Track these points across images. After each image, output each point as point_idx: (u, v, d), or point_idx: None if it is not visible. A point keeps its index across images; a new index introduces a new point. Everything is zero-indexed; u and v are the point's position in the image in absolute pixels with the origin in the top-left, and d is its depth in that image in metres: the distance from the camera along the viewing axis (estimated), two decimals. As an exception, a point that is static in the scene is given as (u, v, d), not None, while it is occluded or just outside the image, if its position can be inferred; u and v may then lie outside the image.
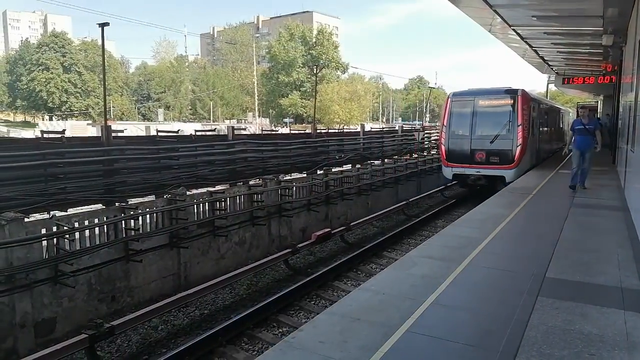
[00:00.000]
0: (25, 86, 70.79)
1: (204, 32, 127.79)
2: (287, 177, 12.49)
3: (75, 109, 70.59)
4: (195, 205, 9.28)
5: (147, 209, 8.39)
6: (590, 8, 10.40)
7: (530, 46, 16.73)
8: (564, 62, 20.90)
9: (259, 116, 71.05)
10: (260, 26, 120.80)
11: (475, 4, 10.81)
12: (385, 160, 18.12)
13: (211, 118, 76.07)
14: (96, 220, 7.55)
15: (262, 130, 37.75)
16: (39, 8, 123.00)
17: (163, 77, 78.66)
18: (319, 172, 13.55)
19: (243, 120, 71.58)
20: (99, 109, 69.76)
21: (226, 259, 9.92)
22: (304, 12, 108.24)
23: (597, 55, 16.90)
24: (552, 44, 15.80)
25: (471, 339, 3.90)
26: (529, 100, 15.10)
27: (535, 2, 10.68)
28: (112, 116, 64.17)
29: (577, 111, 20.80)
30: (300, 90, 70.76)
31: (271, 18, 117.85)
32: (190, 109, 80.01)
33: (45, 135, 7.94)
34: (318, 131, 15.83)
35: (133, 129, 29.63)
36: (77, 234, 7.13)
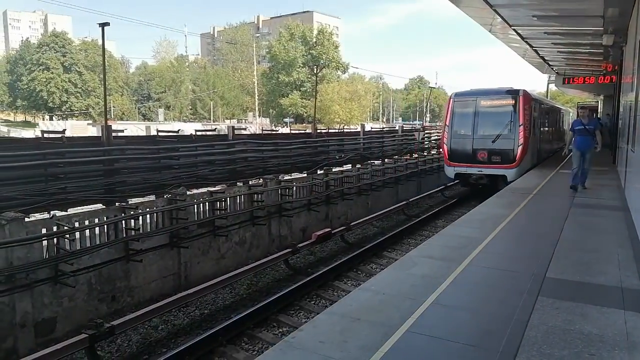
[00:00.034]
0: (26, 86, 70.83)
1: (204, 32, 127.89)
2: (288, 177, 12.49)
3: (76, 109, 70.64)
4: (195, 205, 9.28)
5: (148, 209, 8.39)
6: (591, 8, 10.40)
7: (531, 46, 16.73)
8: (565, 62, 20.89)
9: (259, 116, 71.05)
10: (260, 26, 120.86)
11: (476, 3, 10.81)
12: (386, 160, 18.11)
13: (211, 118, 76.11)
14: (96, 220, 7.55)
15: (263, 130, 37.69)
16: (40, 8, 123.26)
17: (163, 77, 78.70)
18: (319, 172, 13.55)
19: (243, 120, 71.58)
20: (99, 108, 69.81)
21: (226, 259, 9.92)
22: (304, 12, 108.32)
23: (598, 55, 16.90)
24: (552, 43, 15.80)
25: (471, 338, 3.90)
26: (530, 100, 15.24)
27: (535, 2, 10.67)
28: (112, 116, 64.24)
29: (578, 111, 20.80)
30: (300, 90, 70.83)
31: (271, 18, 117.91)
32: (191, 109, 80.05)
33: (45, 135, 7.94)
34: (318, 131, 15.84)
35: (133, 128, 29.64)
36: (77, 234, 7.13)
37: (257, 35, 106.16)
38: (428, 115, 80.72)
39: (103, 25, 10.74)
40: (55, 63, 69.82)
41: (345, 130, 24.84)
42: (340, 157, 15.52)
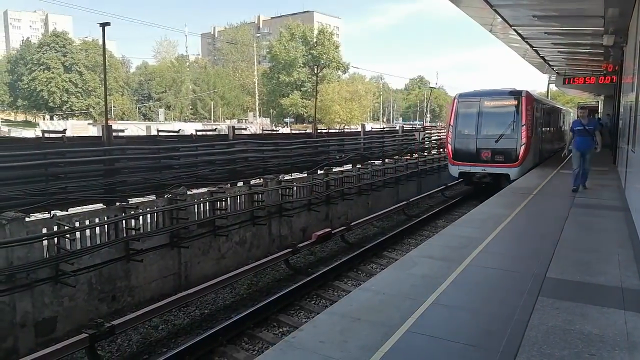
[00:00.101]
0: (26, 86, 70.86)
1: (204, 32, 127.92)
2: (288, 177, 12.49)
3: (76, 109, 70.67)
4: (195, 205, 9.29)
5: (148, 209, 8.39)
6: (591, 8, 10.39)
7: (531, 46, 16.73)
8: (565, 62, 20.88)
9: (259, 116, 71.05)
10: (261, 26, 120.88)
11: (476, 3, 10.80)
12: (386, 160, 18.11)
13: (212, 118, 76.12)
14: (97, 220, 7.55)
15: (263, 130, 37.70)
16: (40, 8, 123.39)
17: (164, 76, 78.69)
18: (319, 172, 13.55)
19: (244, 120, 71.56)
20: (99, 108, 69.84)
21: (227, 259, 9.92)
22: (304, 12, 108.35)
23: (598, 55, 16.89)
24: (552, 44, 15.80)
25: (472, 339, 3.90)
26: (533, 101, 15.52)
27: (536, 2, 10.67)
28: (112, 116, 64.23)
29: (577, 111, 20.81)
30: (300, 90, 70.82)
31: (272, 18, 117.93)
32: (191, 109, 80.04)
33: (46, 135, 7.95)
34: (319, 131, 15.84)
35: (134, 128, 29.63)
36: (77, 234, 7.13)
37: (258, 35, 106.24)
38: (428, 115, 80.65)
39: (104, 25, 10.77)
40: (55, 63, 69.85)
41: (346, 130, 24.84)
42: (341, 157, 15.53)
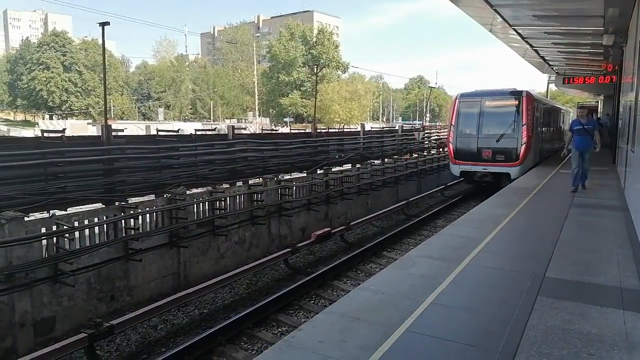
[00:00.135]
0: (26, 85, 70.79)
1: (204, 31, 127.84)
2: (287, 177, 12.48)
3: (76, 108, 70.61)
4: (195, 205, 9.28)
5: (147, 208, 8.39)
6: (591, 8, 10.39)
7: (531, 46, 16.73)
8: (565, 61, 20.88)
9: (259, 115, 71.04)
10: (260, 25, 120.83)
11: (476, 3, 10.80)
12: (385, 160, 18.11)
13: (211, 117, 76.08)
14: (96, 220, 7.55)
15: (262, 129, 37.65)
16: (40, 7, 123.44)
17: (163, 76, 78.64)
18: (319, 171, 13.54)
19: (243, 120, 71.53)
20: (99, 108, 69.81)
21: (226, 259, 9.92)
22: (304, 11, 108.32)
23: (598, 55, 16.89)
24: (552, 43, 15.80)
25: (471, 338, 3.90)
26: (533, 101, 15.72)
27: (535, 2, 10.66)
28: (112, 115, 64.23)
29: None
30: (300, 90, 70.80)
31: (272, 17, 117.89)
32: (191, 109, 79.99)
33: (45, 135, 7.94)
34: (318, 131, 15.84)
35: (133, 128, 29.59)
36: (76, 233, 7.13)
37: (257, 34, 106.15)
38: (428, 115, 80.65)
39: (103, 24, 10.75)
40: (55, 62, 69.78)
41: (345, 130, 24.82)
42: (340, 157, 15.52)
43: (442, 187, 18.49)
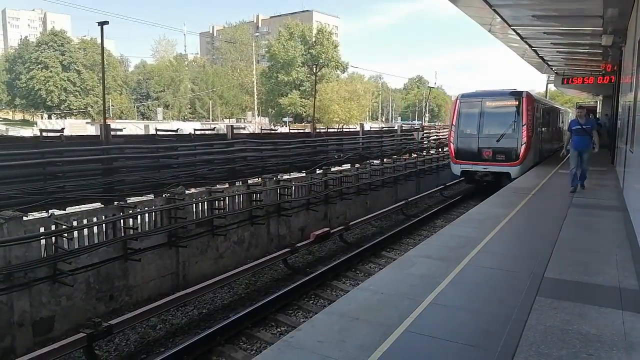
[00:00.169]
0: (24, 84, 70.66)
1: (203, 30, 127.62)
2: (286, 177, 12.48)
3: (74, 108, 70.51)
4: (194, 205, 9.28)
5: (146, 208, 8.38)
6: (590, 8, 10.40)
7: (530, 46, 16.75)
8: (564, 62, 20.91)
9: (258, 115, 71.00)
10: (259, 25, 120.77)
11: (475, 3, 10.80)
12: (385, 160, 18.11)
13: (210, 117, 75.99)
14: (95, 219, 7.54)
15: (262, 129, 37.65)
16: (39, 6, 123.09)
17: (162, 75, 78.53)
18: (318, 171, 13.54)
19: (242, 120, 71.51)
20: (98, 107, 69.67)
21: (225, 258, 9.91)
22: (303, 11, 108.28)
23: (597, 55, 16.92)
24: (551, 43, 15.82)
25: (470, 338, 3.90)
26: (533, 101, 15.92)
27: (535, 2, 10.67)
28: (111, 115, 64.15)
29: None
30: (299, 90, 70.72)
31: (271, 17, 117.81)
32: (190, 108, 79.91)
33: (44, 134, 7.93)
34: (317, 130, 15.83)
35: (132, 127, 29.54)
36: (75, 233, 7.12)
37: (257, 34, 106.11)
38: (427, 115, 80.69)
39: (102, 24, 10.73)
40: (54, 62, 69.65)
41: (344, 130, 24.82)
42: (339, 157, 15.52)
43: (441, 187, 18.51)
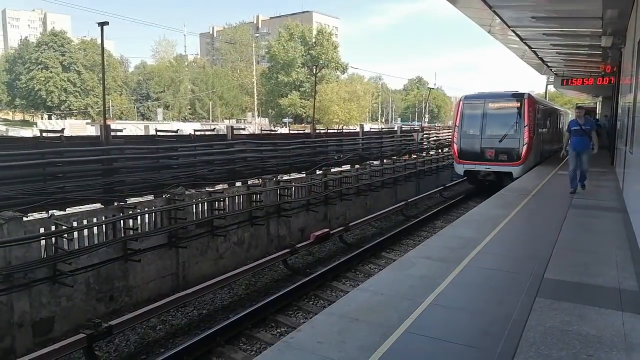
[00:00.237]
0: (24, 85, 70.65)
1: (203, 31, 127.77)
2: (286, 177, 12.48)
3: (74, 108, 70.50)
4: (194, 205, 9.28)
5: (146, 209, 8.38)
6: (590, 9, 10.42)
7: (530, 47, 16.78)
8: (563, 63, 20.93)
9: (258, 116, 71.02)
10: (259, 26, 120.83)
11: (475, 4, 10.82)
12: (384, 160, 18.12)
13: (210, 118, 76.04)
14: (95, 220, 7.54)
15: (261, 130, 37.73)
16: (39, 7, 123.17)
17: (162, 76, 78.54)
18: (317, 172, 13.54)
19: (242, 120, 71.50)
20: (98, 108, 69.67)
21: (225, 259, 9.91)
22: (303, 12, 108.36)
23: (596, 56, 16.94)
24: (551, 45, 15.85)
25: (470, 339, 3.90)
26: (534, 103, 16.28)
27: (534, 3, 10.69)
28: (111, 115, 64.17)
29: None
30: (299, 91, 70.70)
31: (271, 18, 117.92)
32: (190, 109, 79.91)
33: (44, 134, 7.92)
34: (317, 131, 15.83)
35: (132, 128, 29.56)
36: (75, 233, 7.12)
37: (257, 35, 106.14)
38: (427, 116, 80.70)
39: (102, 24, 10.74)
40: (54, 62, 69.64)
41: (344, 131, 24.82)
42: (339, 158, 15.53)
43: (441, 188, 18.52)
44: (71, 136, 9.34)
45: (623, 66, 13.83)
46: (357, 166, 15.88)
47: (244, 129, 14.56)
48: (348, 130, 26.32)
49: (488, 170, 15.98)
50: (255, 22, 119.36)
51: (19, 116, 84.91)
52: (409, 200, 15.36)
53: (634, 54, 8.87)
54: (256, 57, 79.44)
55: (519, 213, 9.09)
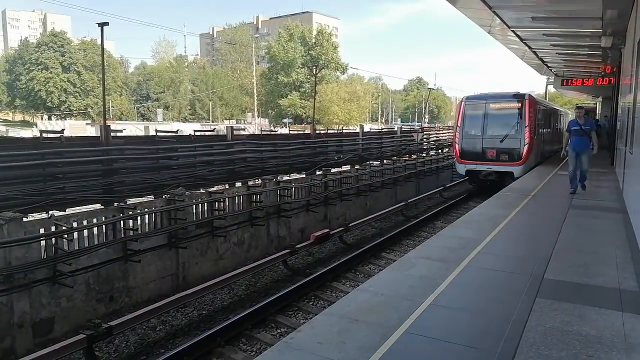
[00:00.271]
0: (24, 85, 70.67)
1: (203, 32, 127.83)
2: (286, 178, 12.48)
3: (74, 109, 70.52)
4: (194, 206, 9.27)
5: (146, 209, 8.38)
6: (590, 10, 10.42)
7: (530, 47, 16.79)
8: (563, 63, 20.94)
9: (258, 116, 71.04)
10: (259, 26, 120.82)
11: (475, 5, 10.82)
12: (384, 161, 18.12)
13: (210, 118, 76.06)
14: (95, 220, 7.54)
15: (261, 130, 37.72)
16: (39, 7, 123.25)
17: (162, 77, 78.58)
18: (317, 172, 13.55)
19: (242, 121, 71.54)
20: (98, 108, 69.68)
21: (225, 260, 9.91)
22: (303, 12, 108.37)
23: (596, 56, 16.95)
24: (551, 45, 15.86)
25: (469, 340, 3.90)
26: (535, 103, 16.41)
27: (534, 4, 10.69)
28: (111, 116, 64.18)
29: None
30: (299, 91, 70.75)
31: (271, 18, 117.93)
32: (190, 109, 79.95)
33: (44, 135, 7.93)
34: (317, 132, 15.85)
35: (132, 128, 29.60)
36: (75, 234, 7.11)
37: (256, 35, 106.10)
38: (427, 116, 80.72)
39: (102, 25, 10.75)
40: (54, 63, 69.67)
41: (344, 131, 24.84)
42: (339, 158, 15.54)
43: (441, 188, 18.52)
44: (71, 137, 9.34)
45: (623, 66, 13.84)
46: (357, 166, 15.88)
47: (244, 130, 14.59)
48: (348, 131, 26.34)
49: (489, 170, 16.09)
50: (255, 22, 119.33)
51: (19, 117, 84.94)
52: (409, 201, 15.35)
53: (633, 54, 8.87)
54: (256, 57, 79.49)
55: (519, 213, 9.09)
